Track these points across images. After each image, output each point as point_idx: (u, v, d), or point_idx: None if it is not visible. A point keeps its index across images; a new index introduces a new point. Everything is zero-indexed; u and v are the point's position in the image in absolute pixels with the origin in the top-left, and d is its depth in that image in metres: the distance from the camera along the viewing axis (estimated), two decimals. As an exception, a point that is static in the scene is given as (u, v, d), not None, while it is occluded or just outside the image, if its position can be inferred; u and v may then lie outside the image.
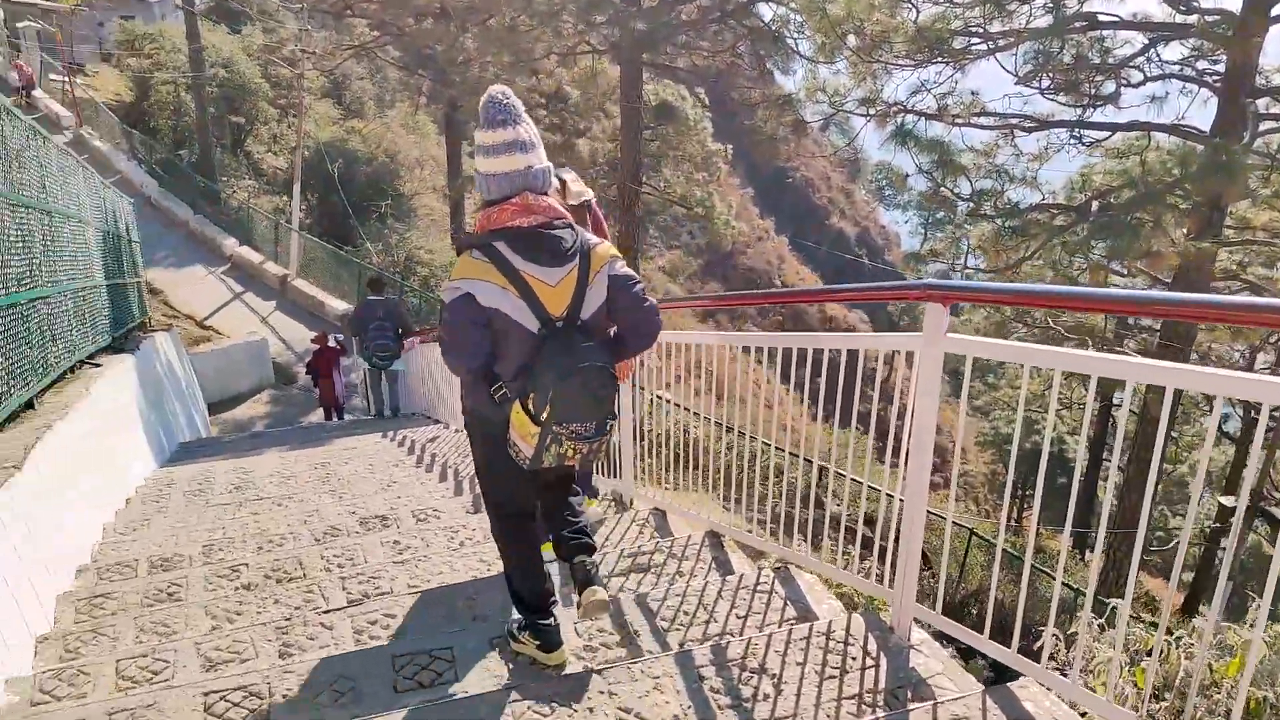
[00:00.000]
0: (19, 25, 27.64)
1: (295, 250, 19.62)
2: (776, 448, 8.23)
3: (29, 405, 5.29)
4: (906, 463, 2.92)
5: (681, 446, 5.34)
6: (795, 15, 19.22)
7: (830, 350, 3.38)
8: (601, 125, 35.53)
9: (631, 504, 5.02)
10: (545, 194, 2.54)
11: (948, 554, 3.32)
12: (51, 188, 6.81)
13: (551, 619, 2.89)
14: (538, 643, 2.87)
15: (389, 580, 3.99)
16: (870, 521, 3.82)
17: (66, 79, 25.16)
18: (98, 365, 7.33)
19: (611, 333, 2.73)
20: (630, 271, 2.63)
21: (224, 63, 26.54)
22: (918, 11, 13.93)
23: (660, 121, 29.34)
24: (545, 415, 2.41)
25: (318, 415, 14.11)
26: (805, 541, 3.78)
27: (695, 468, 4.92)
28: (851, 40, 15.13)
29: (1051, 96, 13.30)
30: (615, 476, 5.22)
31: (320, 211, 26.27)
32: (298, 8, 24.61)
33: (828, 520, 3.72)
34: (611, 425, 2.55)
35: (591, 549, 2.94)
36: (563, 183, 3.63)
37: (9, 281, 5.09)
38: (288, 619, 3.54)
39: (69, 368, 6.59)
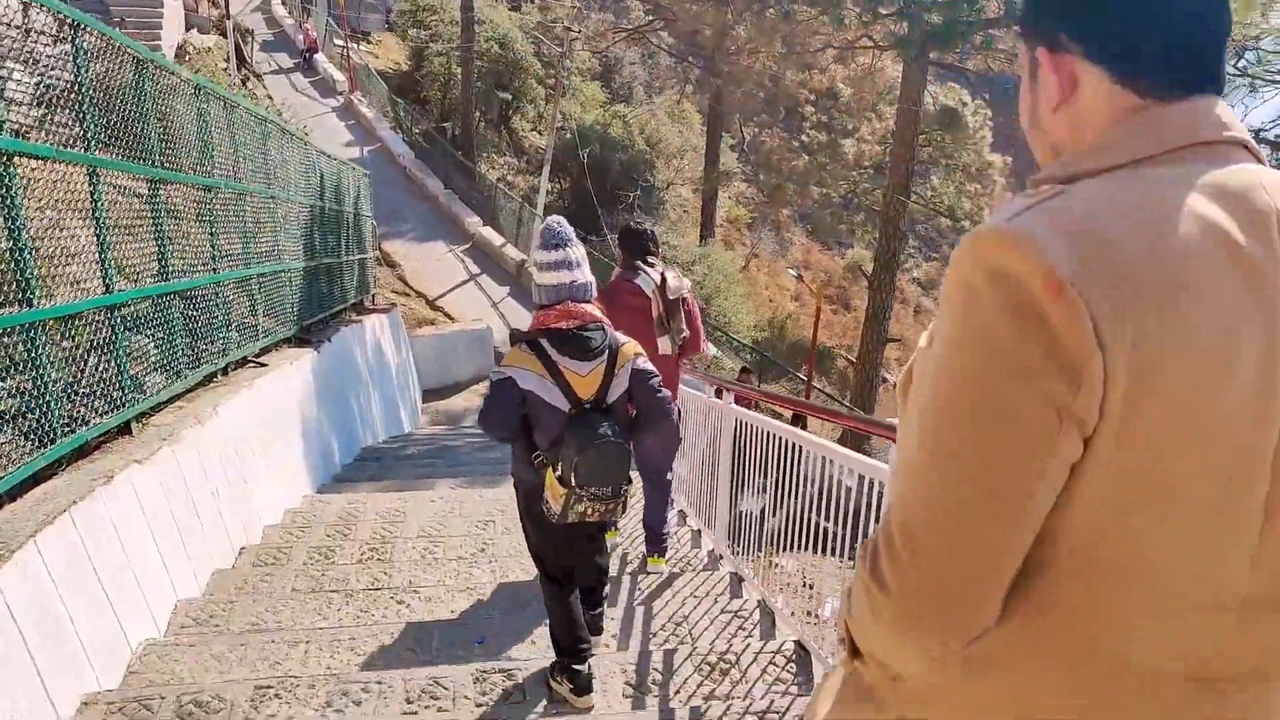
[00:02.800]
0: (312, -11, 29.23)
1: (537, 235, 18.99)
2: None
3: (126, 429, 4.25)
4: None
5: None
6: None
7: None
8: (871, 127, 32.95)
9: None
10: (587, 302, 3.07)
11: None
12: (228, 159, 5.88)
13: (584, 666, 3.25)
14: (570, 686, 3.24)
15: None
16: None
17: (345, 45, 26.10)
18: (262, 365, 6.41)
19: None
20: (649, 368, 3.12)
21: (499, 39, 26.61)
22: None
23: (939, 127, 26.50)
24: (571, 479, 2.89)
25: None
26: None
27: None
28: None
29: None
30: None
31: (570, 197, 25.79)
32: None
33: None
34: (626, 488, 3.04)
35: (596, 631, 3.71)
36: (663, 278, 4.45)
37: (110, 277, 4.03)
38: None
39: (218, 369, 5.65)
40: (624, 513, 3.14)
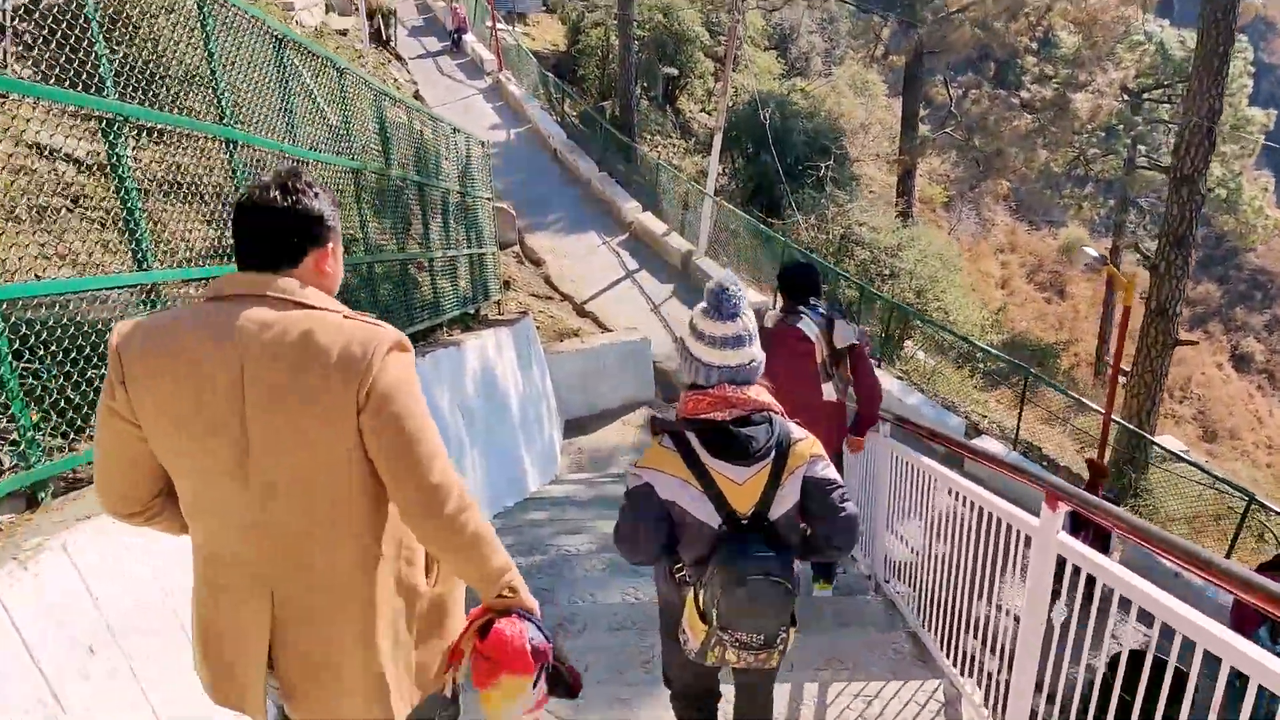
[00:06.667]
0: (461, -31, 26.92)
1: (706, 220, 15.46)
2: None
3: None
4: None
5: None
6: None
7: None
8: (1108, 77, 27.37)
9: None
10: (751, 384, 2.28)
11: None
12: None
13: None
14: None
15: None
16: None
17: (493, 23, 23.59)
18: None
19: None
20: (830, 475, 2.26)
21: (662, 7, 23.41)
22: None
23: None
24: (712, 617, 2.24)
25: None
26: None
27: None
28: None
29: None
30: None
31: (746, 174, 22.15)
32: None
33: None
34: (784, 637, 2.27)
35: None
36: (830, 324, 4.11)
37: None
38: None
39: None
40: (780, 661, 2.38)
